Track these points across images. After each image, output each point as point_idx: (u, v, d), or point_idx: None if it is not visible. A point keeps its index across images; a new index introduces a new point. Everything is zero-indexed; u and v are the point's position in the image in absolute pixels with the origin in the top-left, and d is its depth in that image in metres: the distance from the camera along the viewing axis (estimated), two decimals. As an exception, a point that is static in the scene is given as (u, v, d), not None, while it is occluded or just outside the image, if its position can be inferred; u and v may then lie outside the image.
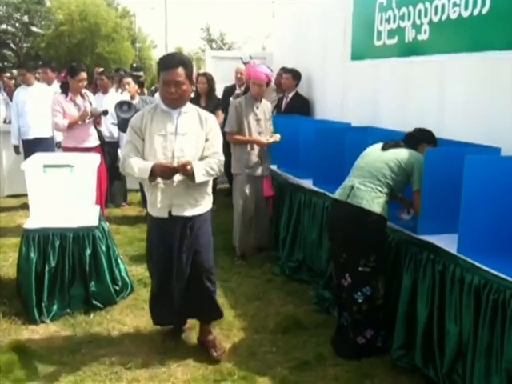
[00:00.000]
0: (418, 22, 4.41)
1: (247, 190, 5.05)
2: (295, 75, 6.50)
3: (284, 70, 6.77)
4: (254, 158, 5.03)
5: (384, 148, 3.40)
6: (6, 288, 4.30)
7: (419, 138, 3.45)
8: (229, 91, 7.45)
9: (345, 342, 3.41)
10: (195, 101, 7.07)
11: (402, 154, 3.31)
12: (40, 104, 6.42)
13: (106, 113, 5.67)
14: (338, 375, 3.19)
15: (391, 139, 3.47)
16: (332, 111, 6.00)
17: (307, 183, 4.69)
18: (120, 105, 5.74)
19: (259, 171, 5.05)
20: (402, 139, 3.46)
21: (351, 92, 5.65)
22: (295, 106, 6.39)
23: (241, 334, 3.68)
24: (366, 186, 3.25)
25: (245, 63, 6.57)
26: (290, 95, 6.53)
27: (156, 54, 33.00)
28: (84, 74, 5.47)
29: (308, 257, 4.63)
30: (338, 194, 3.43)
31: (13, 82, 8.45)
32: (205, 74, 7.30)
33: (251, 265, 5.00)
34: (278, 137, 5.08)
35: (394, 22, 4.77)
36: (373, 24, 5.10)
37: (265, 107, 5.10)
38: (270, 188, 5.18)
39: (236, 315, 3.93)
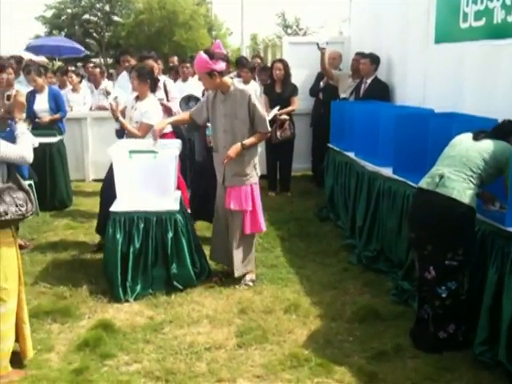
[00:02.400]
0: (508, 2, 4.18)
1: (218, 199, 4.42)
2: (374, 60, 6.35)
3: (361, 55, 6.63)
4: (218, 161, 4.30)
5: (476, 138, 3.25)
6: (92, 267, 4.54)
7: (510, 130, 3.28)
8: (320, 76, 7.40)
9: (425, 335, 3.33)
10: (270, 87, 7.10)
11: (496, 145, 3.16)
12: None
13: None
14: (417, 367, 3.13)
15: (481, 129, 3.32)
16: (413, 96, 5.82)
17: (386, 171, 4.59)
18: (187, 99, 5.70)
19: (220, 179, 4.31)
20: (492, 130, 3.30)
21: (433, 76, 5.44)
22: (374, 92, 6.25)
23: (317, 321, 3.69)
24: (458, 175, 3.13)
25: (321, 49, 6.47)
26: (369, 80, 6.39)
27: (231, 42, 33.27)
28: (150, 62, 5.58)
29: (386, 247, 4.55)
30: (424, 182, 3.31)
31: (98, 70, 8.78)
32: (281, 60, 7.31)
33: (326, 253, 4.97)
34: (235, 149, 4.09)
35: (482, 2, 4.53)
36: (458, 5, 4.88)
37: (237, 100, 4.12)
38: (239, 201, 4.16)
39: (312, 303, 3.94)
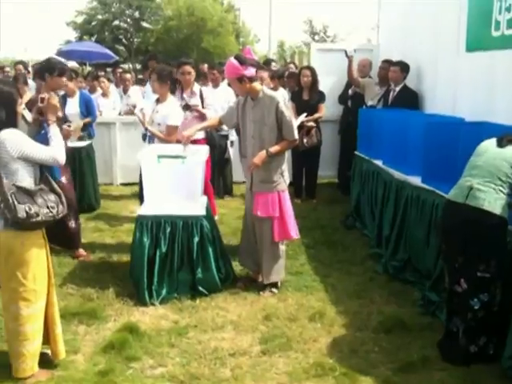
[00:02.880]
0: (543, 10, 4.10)
1: (246, 205, 4.52)
2: (403, 67, 6.29)
3: (389, 62, 6.59)
4: (246, 167, 4.41)
5: (500, 144, 3.20)
6: (119, 270, 4.59)
7: None
8: (349, 84, 7.38)
9: (453, 348, 3.27)
10: (297, 94, 7.10)
11: None
12: None
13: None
14: (444, 380, 3.08)
15: (505, 133, 3.26)
16: (443, 105, 5.74)
17: (415, 180, 4.54)
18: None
19: (248, 184, 4.38)
20: None
21: (464, 85, 5.36)
22: (403, 100, 6.19)
23: (342, 330, 3.65)
24: (487, 186, 3.07)
25: (349, 56, 6.44)
26: (398, 88, 6.33)
27: (259, 48, 33.41)
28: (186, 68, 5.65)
29: (414, 256, 4.48)
30: (453, 194, 3.26)
31: (128, 75, 8.90)
32: (309, 67, 7.31)
33: (352, 261, 4.93)
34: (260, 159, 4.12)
35: (515, 10, 4.45)
36: (491, 13, 4.80)
37: (266, 106, 4.14)
38: (266, 208, 4.18)
39: (337, 311, 3.90)
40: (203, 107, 5.83)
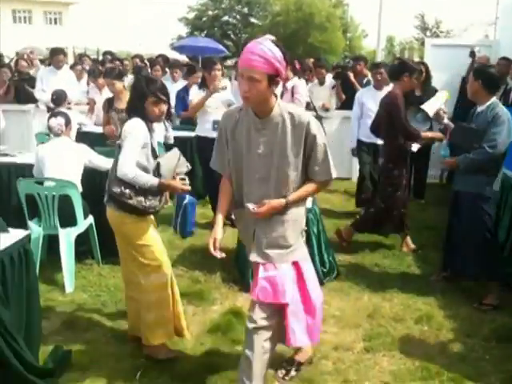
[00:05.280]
0: None
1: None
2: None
3: (506, 59, 6.22)
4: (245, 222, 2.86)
5: None
6: (225, 257, 4.70)
7: None
8: (464, 81, 7.06)
9: None
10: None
11: None
12: None
13: None
14: None
15: None
16: None
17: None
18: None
19: (247, 248, 2.99)
20: None
21: None
22: (525, 99, 5.82)
23: (450, 335, 3.52)
24: None
25: (474, 55, 6.13)
26: (519, 87, 5.96)
27: (367, 44, 32.78)
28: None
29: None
30: None
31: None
32: (422, 63, 7.06)
33: (461, 265, 4.71)
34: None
35: None
36: None
37: (285, 130, 2.58)
38: (272, 288, 2.63)
39: (445, 315, 3.76)
40: (292, 101, 5.84)
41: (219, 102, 5.22)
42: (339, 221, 5.87)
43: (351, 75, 7.65)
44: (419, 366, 3.14)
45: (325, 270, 4.28)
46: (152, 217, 3.24)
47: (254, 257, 2.70)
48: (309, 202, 4.27)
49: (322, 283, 4.15)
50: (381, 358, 3.23)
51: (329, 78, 7.96)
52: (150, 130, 3.14)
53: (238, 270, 4.34)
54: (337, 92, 7.89)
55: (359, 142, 5.99)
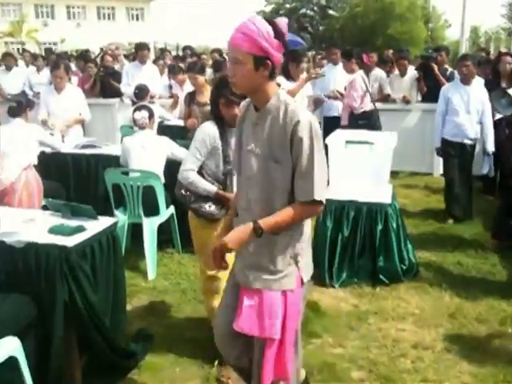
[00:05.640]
0: None
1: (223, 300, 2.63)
2: None
3: None
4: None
5: None
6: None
7: None
8: None
9: None
10: (492, 82, 6.53)
11: None
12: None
13: None
14: None
15: None
16: None
17: None
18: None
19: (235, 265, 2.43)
20: None
21: None
22: None
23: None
24: None
25: None
26: None
27: (450, 34, 31.53)
28: None
29: None
30: None
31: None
32: (509, 54, 6.73)
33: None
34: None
35: None
36: None
37: (279, 125, 2.13)
38: (259, 318, 2.22)
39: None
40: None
41: (303, 95, 5.29)
42: (419, 217, 5.73)
43: (435, 67, 7.39)
44: (502, 369, 3.01)
45: (404, 268, 4.18)
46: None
47: (240, 276, 2.29)
48: (388, 197, 4.20)
49: (400, 281, 4.10)
50: (462, 359, 3.13)
51: (410, 70, 7.74)
52: (224, 134, 2.99)
53: (313, 262, 4.30)
54: (418, 84, 7.65)
55: (444, 141, 5.52)
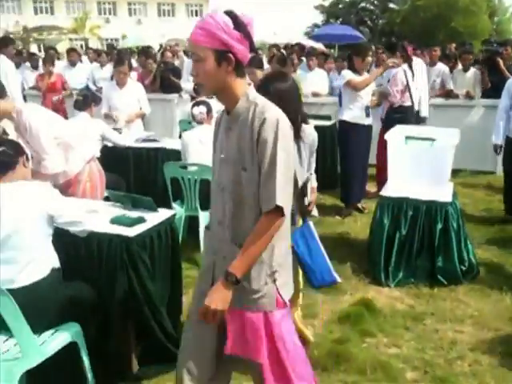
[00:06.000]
0: None
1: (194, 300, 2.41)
2: None
3: None
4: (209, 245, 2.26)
5: None
6: (356, 248, 4.69)
7: None
8: None
9: None
10: None
11: None
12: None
13: None
14: None
15: None
16: None
17: None
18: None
19: (207, 284, 2.16)
20: None
21: None
22: None
23: None
24: None
25: None
26: None
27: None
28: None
29: None
30: None
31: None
32: None
33: None
34: None
35: None
36: None
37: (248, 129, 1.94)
38: (245, 340, 2.07)
39: None
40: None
41: (372, 87, 5.34)
42: (480, 216, 5.54)
43: (501, 62, 7.10)
44: None
45: (463, 269, 4.05)
46: None
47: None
48: (449, 196, 4.08)
49: (459, 282, 3.98)
50: (523, 365, 3.02)
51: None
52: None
53: (369, 261, 4.27)
54: (482, 79, 7.38)
55: (508, 139, 5.18)
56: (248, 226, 1.95)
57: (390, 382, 2.91)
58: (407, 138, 4.21)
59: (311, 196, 3.12)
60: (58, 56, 10.65)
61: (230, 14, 1.88)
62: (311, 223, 2.73)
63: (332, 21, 35.10)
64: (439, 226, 3.99)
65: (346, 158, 5.57)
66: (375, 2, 37.12)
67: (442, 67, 7.46)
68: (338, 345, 3.22)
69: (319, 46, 13.49)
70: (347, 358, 3.07)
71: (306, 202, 2.95)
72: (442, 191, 4.12)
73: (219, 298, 1.92)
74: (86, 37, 36.32)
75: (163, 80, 8.66)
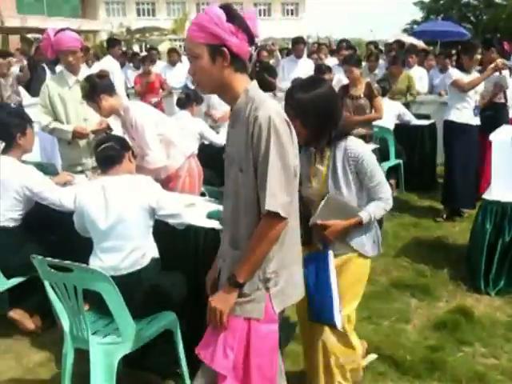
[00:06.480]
0: None
1: None
2: None
3: None
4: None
5: None
6: (454, 252, 4.50)
7: None
8: None
9: None
10: None
11: None
12: None
13: None
14: None
15: None
16: None
17: None
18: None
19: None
20: None
21: None
22: None
23: None
24: None
25: None
26: None
27: None
28: None
29: None
30: None
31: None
32: None
33: None
34: None
35: None
36: None
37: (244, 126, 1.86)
38: (220, 347, 1.95)
39: None
40: None
41: (481, 87, 5.12)
42: None
43: None
44: None
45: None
46: None
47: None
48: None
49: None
50: None
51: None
52: None
53: (468, 267, 4.08)
54: None
55: None
56: (241, 231, 1.89)
57: (488, 395, 2.78)
58: (516, 138, 3.97)
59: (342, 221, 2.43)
60: (159, 56, 11.08)
61: (224, 7, 1.81)
62: (331, 253, 2.40)
63: (432, 17, 33.76)
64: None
65: (453, 160, 5.26)
66: (480, -3, 35.25)
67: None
68: (433, 352, 3.12)
69: (419, 42, 13.05)
70: (442, 367, 2.97)
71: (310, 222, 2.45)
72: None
73: (219, 299, 1.90)
74: (185, 38, 37.49)
75: (258, 79, 8.76)
